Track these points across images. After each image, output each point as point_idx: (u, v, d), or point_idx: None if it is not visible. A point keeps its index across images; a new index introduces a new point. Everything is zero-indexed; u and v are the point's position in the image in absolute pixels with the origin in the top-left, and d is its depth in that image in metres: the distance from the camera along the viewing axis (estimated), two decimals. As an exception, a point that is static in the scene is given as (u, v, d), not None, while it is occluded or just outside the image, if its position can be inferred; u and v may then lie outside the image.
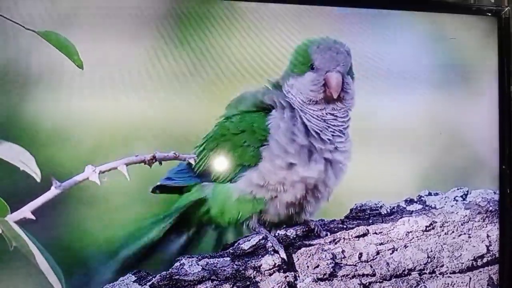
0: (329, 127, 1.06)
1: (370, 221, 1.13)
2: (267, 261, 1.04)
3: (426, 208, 1.16)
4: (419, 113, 1.23)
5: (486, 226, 1.14)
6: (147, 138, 1.07)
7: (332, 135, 1.06)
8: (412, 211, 1.15)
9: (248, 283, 1.03)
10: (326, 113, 1.06)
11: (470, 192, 1.18)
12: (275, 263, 1.04)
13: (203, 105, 1.11)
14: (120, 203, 1.07)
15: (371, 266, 1.07)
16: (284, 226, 1.10)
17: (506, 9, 1.26)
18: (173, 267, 1.03)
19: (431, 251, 1.10)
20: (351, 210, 1.15)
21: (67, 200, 1.02)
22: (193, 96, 1.11)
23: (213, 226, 1.11)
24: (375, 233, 1.10)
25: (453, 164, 1.23)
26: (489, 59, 1.25)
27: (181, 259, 1.04)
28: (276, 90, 1.09)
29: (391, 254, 1.09)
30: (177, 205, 1.10)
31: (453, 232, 1.13)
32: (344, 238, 1.09)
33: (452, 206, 1.16)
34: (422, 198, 1.18)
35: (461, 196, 1.17)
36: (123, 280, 1.03)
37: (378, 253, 1.08)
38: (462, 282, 1.10)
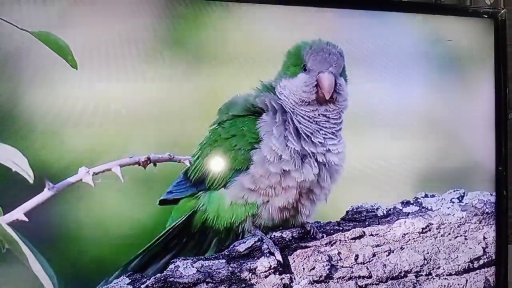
0: (320, 129, 1.06)
1: (366, 222, 1.12)
2: (262, 263, 1.03)
3: (423, 210, 1.15)
4: (415, 114, 1.23)
5: (483, 228, 1.14)
6: (141, 140, 1.07)
7: (324, 137, 1.06)
8: (409, 213, 1.14)
9: (243, 285, 1.03)
10: (319, 114, 1.06)
11: (466, 194, 1.18)
12: (270, 265, 1.03)
13: (198, 106, 1.11)
14: (115, 204, 1.06)
15: (368, 268, 1.06)
16: (280, 228, 1.09)
17: (502, 11, 1.26)
18: (168, 269, 1.03)
19: (428, 253, 1.10)
20: (347, 212, 1.14)
21: (60, 202, 1.01)
22: (188, 97, 1.11)
23: (212, 231, 1.10)
24: (371, 235, 1.10)
25: (449, 166, 1.23)
26: (485, 61, 1.26)
27: (176, 261, 1.04)
28: (268, 92, 1.09)
29: (387, 256, 1.08)
30: (173, 216, 1.10)
31: (449, 234, 1.13)
32: (340, 240, 1.09)
33: (448, 208, 1.15)
34: (418, 200, 1.17)
35: (458, 198, 1.17)
36: (117, 282, 1.03)
37: (374, 255, 1.08)
38: (458, 284, 1.09)
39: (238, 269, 1.03)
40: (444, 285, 1.09)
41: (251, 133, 1.04)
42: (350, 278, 1.05)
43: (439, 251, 1.10)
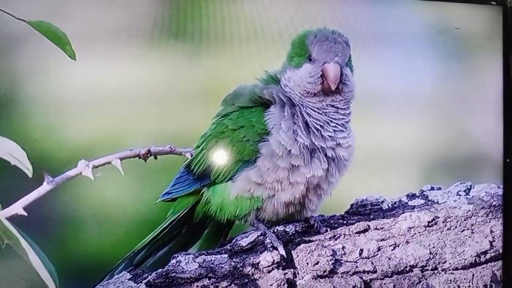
0: (331, 121, 1.04)
1: (371, 216, 1.11)
2: (265, 258, 1.02)
3: (429, 203, 1.14)
4: (421, 104, 1.21)
5: (490, 221, 1.13)
6: (142, 133, 1.06)
7: (334, 130, 1.04)
8: (414, 206, 1.13)
9: (246, 280, 1.02)
10: (327, 105, 1.04)
11: (473, 187, 1.16)
12: (274, 260, 1.02)
13: (200, 98, 1.10)
14: (115, 198, 1.06)
15: (372, 263, 1.05)
16: (284, 222, 1.08)
17: (512, -2, 1.23)
18: (169, 264, 1.02)
19: (434, 247, 1.09)
20: (351, 205, 1.13)
21: (59, 196, 1.00)
22: (190, 89, 1.09)
23: (214, 223, 1.10)
24: (376, 228, 1.09)
25: (456, 158, 1.22)
26: (493, 49, 1.23)
27: (178, 256, 1.03)
28: (274, 83, 1.07)
29: (392, 250, 1.07)
30: (175, 207, 1.10)
31: (456, 227, 1.11)
32: (344, 234, 1.08)
33: (455, 201, 1.14)
34: (424, 193, 1.16)
35: (464, 191, 1.16)
36: (118, 278, 1.02)
37: (379, 249, 1.07)
38: (465, 279, 1.08)
39: (241, 264, 1.02)
40: (450, 280, 1.08)
41: (260, 124, 1.03)
42: (354, 273, 1.04)
43: (445, 245, 1.09)
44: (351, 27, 1.12)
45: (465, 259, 1.09)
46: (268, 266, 1.02)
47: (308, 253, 1.04)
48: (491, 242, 1.10)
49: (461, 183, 1.17)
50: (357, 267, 1.05)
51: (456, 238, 1.10)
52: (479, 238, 1.11)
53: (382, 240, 1.08)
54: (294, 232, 1.07)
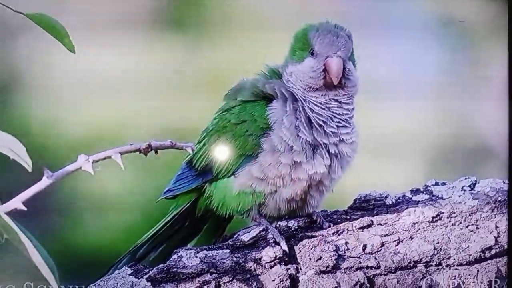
0: (334, 116, 1.03)
1: (375, 211, 1.10)
2: (268, 253, 1.02)
3: (433, 198, 1.13)
4: (426, 98, 1.20)
5: (495, 217, 1.11)
6: (142, 127, 1.06)
7: (337, 125, 1.03)
8: (418, 201, 1.12)
9: (248, 275, 1.01)
10: (330, 99, 1.03)
11: (478, 182, 1.15)
12: (276, 255, 1.01)
13: (202, 92, 1.09)
14: (115, 193, 1.05)
15: (376, 258, 1.05)
16: (286, 217, 1.08)
17: (518, -10, 1.22)
18: (171, 259, 1.01)
19: (438, 242, 1.08)
20: (354, 200, 1.12)
21: (59, 190, 1.00)
22: (191, 82, 1.09)
23: (213, 217, 1.10)
24: (380, 224, 1.08)
25: (461, 153, 1.20)
26: (499, 41, 1.22)
27: (179, 251, 1.02)
28: (276, 78, 1.06)
29: (396, 245, 1.06)
30: (178, 202, 1.10)
31: (460, 223, 1.10)
32: (347, 229, 1.07)
33: (459, 196, 1.13)
34: (428, 188, 1.15)
35: (469, 186, 1.14)
36: (119, 273, 1.02)
37: (383, 244, 1.06)
38: (469, 275, 1.07)
39: (243, 259, 1.01)
40: (455, 276, 1.07)
41: (262, 118, 1.02)
42: (358, 269, 1.03)
43: (450, 241, 1.08)
44: (356, 19, 1.11)
45: (470, 255, 1.08)
46: (270, 262, 1.01)
47: (311, 249, 1.03)
48: (496, 238, 1.09)
49: (466, 178, 1.16)
50: (360, 262, 1.04)
51: (461, 233, 1.09)
52: (484, 233, 1.09)
53: (386, 235, 1.07)
54: (296, 227, 1.06)
